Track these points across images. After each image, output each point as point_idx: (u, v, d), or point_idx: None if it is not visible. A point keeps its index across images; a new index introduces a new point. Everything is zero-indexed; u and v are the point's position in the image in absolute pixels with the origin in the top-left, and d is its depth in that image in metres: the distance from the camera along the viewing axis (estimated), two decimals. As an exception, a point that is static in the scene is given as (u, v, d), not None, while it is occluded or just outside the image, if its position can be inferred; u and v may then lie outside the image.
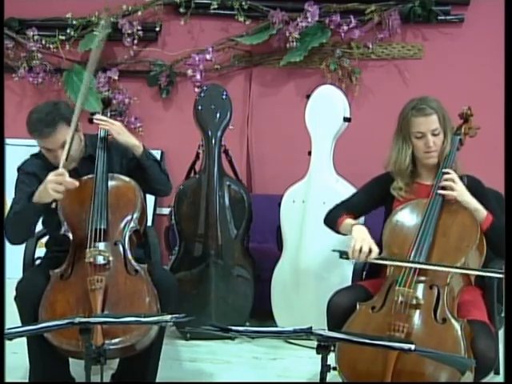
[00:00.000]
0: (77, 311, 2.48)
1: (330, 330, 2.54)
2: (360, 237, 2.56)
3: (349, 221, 2.71)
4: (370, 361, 2.29)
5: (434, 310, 2.37)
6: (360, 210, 2.84)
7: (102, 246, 2.64)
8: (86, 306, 2.49)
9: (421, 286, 2.43)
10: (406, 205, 2.64)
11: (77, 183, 2.60)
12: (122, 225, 2.75)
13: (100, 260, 2.60)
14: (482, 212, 2.54)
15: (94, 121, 2.93)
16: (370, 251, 2.51)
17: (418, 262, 2.43)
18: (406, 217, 2.61)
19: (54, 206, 2.60)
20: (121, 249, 2.69)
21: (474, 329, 2.35)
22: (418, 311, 2.38)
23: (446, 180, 2.56)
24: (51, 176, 2.56)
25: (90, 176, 2.80)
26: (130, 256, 2.68)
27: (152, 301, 2.56)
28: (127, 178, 2.85)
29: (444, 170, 2.60)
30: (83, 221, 2.70)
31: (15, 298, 2.61)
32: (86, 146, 2.90)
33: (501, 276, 2.38)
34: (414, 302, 2.38)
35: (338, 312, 2.54)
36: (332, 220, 2.79)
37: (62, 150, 2.67)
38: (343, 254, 2.58)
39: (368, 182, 2.89)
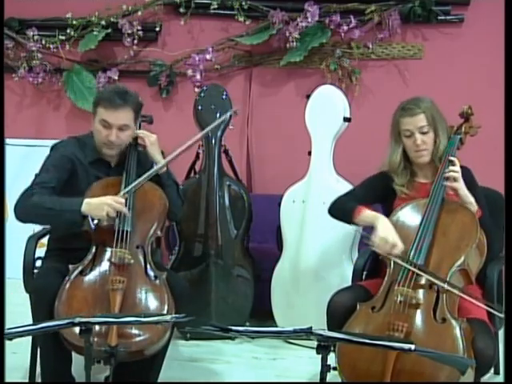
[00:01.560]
0: (94, 309, 2.48)
1: (330, 329, 2.54)
2: (387, 228, 2.53)
3: (369, 211, 2.65)
4: (370, 361, 2.29)
5: (434, 310, 2.37)
6: (365, 204, 2.77)
7: (125, 247, 2.63)
8: (103, 306, 2.48)
9: (420, 286, 2.43)
10: (406, 204, 2.64)
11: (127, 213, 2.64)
12: (147, 230, 2.73)
13: (124, 261, 2.59)
14: (473, 206, 2.56)
15: (137, 132, 2.89)
16: (394, 246, 2.48)
17: (434, 275, 2.41)
18: (406, 216, 2.61)
19: (92, 226, 2.62)
20: (141, 253, 2.68)
21: (473, 327, 2.35)
22: (417, 311, 2.38)
23: (453, 171, 2.56)
24: (112, 199, 2.57)
25: (117, 177, 2.79)
26: (150, 261, 2.68)
27: (170, 308, 2.55)
28: (156, 185, 2.84)
29: (451, 158, 2.60)
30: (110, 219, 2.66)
31: (30, 297, 2.60)
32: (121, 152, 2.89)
33: (499, 314, 2.40)
34: (414, 301, 2.38)
35: (339, 312, 2.54)
36: (347, 209, 2.71)
37: (117, 132, 2.71)
38: (369, 239, 2.52)
39: (367, 178, 2.87)
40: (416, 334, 2.32)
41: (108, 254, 2.61)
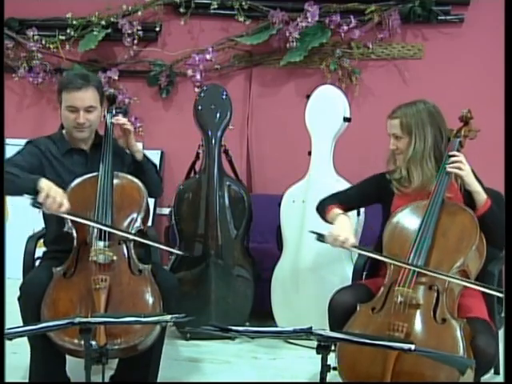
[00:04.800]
0: (79, 310, 2.48)
1: (331, 328, 2.56)
2: (340, 226, 2.66)
3: (337, 211, 2.76)
4: (370, 361, 2.29)
5: (434, 311, 2.38)
6: (352, 203, 2.91)
7: (106, 244, 2.63)
8: (88, 305, 2.48)
9: (420, 287, 2.43)
10: (406, 206, 2.65)
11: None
12: (127, 224, 2.73)
13: (104, 259, 2.59)
14: (482, 195, 2.56)
15: (114, 121, 2.93)
16: (346, 241, 2.58)
17: (415, 266, 2.44)
18: (406, 218, 2.62)
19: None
20: (125, 248, 2.68)
21: (474, 326, 2.35)
22: (417, 311, 2.38)
23: (455, 162, 2.57)
24: (60, 198, 2.52)
25: (94, 174, 2.79)
26: (133, 256, 2.68)
27: (155, 301, 2.55)
28: (132, 178, 2.85)
29: (450, 153, 2.61)
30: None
31: (18, 299, 2.60)
32: (96, 135, 2.92)
33: (498, 294, 2.40)
34: (414, 302, 2.39)
35: (340, 311, 2.55)
36: (322, 208, 2.86)
37: (84, 114, 2.74)
38: (320, 237, 2.63)
39: (365, 178, 2.92)
40: (416, 335, 2.33)
41: (90, 253, 2.60)
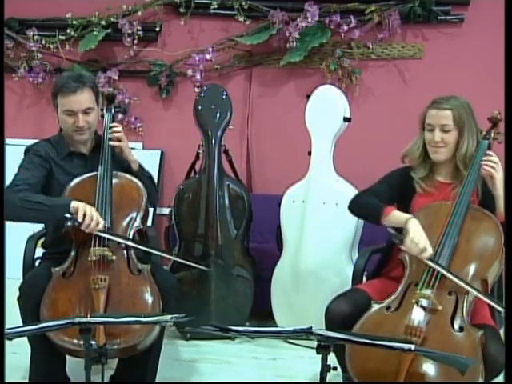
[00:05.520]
0: (79, 310, 2.48)
1: None
2: (419, 231, 2.43)
3: (399, 212, 2.53)
4: (383, 359, 2.22)
5: (452, 318, 2.31)
6: (387, 201, 2.64)
7: (105, 244, 2.62)
8: (88, 305, 2.48)
9: (441, 292, 2.36)
10: (429, 205, 2.57)
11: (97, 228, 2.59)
12: (126, 223, 2.73)
13: (104, 258, 2.58)
14: (502, 203, 2.48)
15: (113, 126, 2.88)
16: (424, 250, 2.41)
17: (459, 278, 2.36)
18: (430, 218, 2.52)
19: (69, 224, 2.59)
20: (124, 248, 2.68)
21: (484, 333, 2.30)
22: (435, 317, 2.31)
23: (492, 161, 2.51)
24: (96, 216, 2.55)
25: (93, 173, 2.78)
26: (133, 255, 2.67)
27: (155, 301, 2.55)
28: (131, 177, 2.84)
29: (487, 153, 2.54)
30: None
31: (18, 299, 2.60)
32: (95, 136, 2.90)
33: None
34: (434, 307, 2.32)
35: (337, 319, 2.48)
36: (373, 208, 2.59)
37: (82, 116, 2.72)
38: (398, 239, 2.44)
39: (387, 174, 2.77)
40: (432, 341, 2.26)
41: (89, 253, 2.59)
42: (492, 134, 2.61)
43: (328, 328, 2.50)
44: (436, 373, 2.21)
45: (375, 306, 2.44)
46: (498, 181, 2.49)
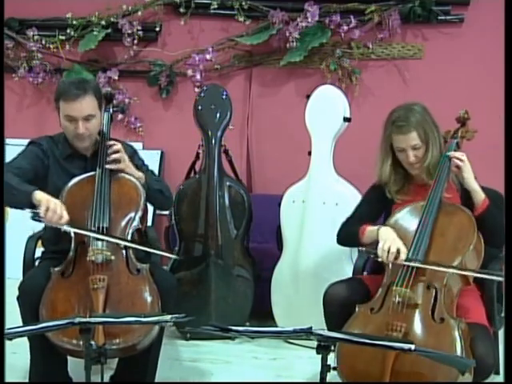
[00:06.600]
0: (78, 310, 2.48)
1: (327, 322, 2.59)
2: (388, 237, 2.53)
3: (370, 227, 2.65)
4: (369, 360, 2.29)
5: (432, 310, 2.38)
6: (369, 220, 2.76)
7: (104, 244, 2.62)
8: (87, 305, 2.48)
9: (418, 286, 2.44)
10: (404, 207, 2.66)
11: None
12: (125, 223, 2.73)
13: (102, 259, 2.58)
14: (480, 194, 2.56)
15: (112, 145, 2.83)
16: (398, 252, 2.48)
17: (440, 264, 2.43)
18: (404, 218, 2.62)
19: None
20: (123, 248, 2.68)
21: (473, 332, 2.35)
22: (415, 311, 2.38)
23: (455, 156, 2.58)
24: (60, 210, 2.51)
25: (92, 173, 2.78)
26: (131, 255, 2.67)
27: (154, 300, 2.55)
28: (130, 177, 2.82)
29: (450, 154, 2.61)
30: (85, 219, 2.67)
31: (18, 299, 2.60)
32: (95, 141, 2.88)
33: (499, 279, 2.40)
34: (412, 301, 2.39)
35: (334, 304, 2.57)
36: (351, 235, 2.73)
37: (83, 123, 2.70)
38: (372, 254, 2.54)
39: (364, 194, 2.91)
40: (414, 334, 2.33)
41: (88, 253, 2.59)
42: (460, 133, 2.69)
43: (327, 312, 2.61)
44: (421, 370, 2.24)
45: (360, 310, 2.49)
46: (466, 174, 2.57)
